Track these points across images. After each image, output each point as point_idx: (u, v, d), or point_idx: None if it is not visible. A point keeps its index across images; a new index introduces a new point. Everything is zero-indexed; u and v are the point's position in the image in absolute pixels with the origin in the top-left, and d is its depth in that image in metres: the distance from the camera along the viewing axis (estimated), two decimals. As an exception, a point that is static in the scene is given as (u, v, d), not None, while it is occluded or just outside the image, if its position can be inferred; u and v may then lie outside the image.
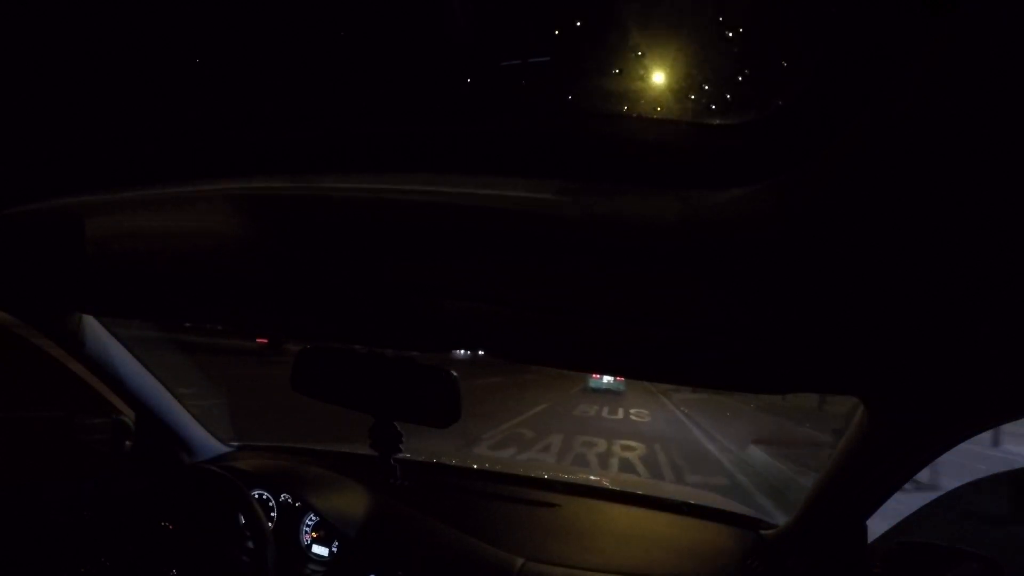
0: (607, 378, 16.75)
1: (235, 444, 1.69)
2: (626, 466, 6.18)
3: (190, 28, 0.44)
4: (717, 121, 0.40)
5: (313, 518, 1.37)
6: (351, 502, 1.38)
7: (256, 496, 1.38)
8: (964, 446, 0.83)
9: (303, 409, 1.35)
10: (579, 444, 7.27)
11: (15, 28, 0.45)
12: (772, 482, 5.62)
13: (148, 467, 1.47)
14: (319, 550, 1.36)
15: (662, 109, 0.41)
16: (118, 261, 0.83)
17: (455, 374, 0.94)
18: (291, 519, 1.38)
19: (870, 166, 0.37)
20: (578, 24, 0.38)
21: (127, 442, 1.48)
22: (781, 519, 1.32)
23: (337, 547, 1.33)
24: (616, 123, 0.43)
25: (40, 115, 0.57)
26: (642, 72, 0.40)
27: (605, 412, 11.65)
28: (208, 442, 1.62)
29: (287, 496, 1.39)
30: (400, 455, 1.07)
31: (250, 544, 1.24)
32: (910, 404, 0.81)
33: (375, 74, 0.46)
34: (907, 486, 0.99)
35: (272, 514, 1.39)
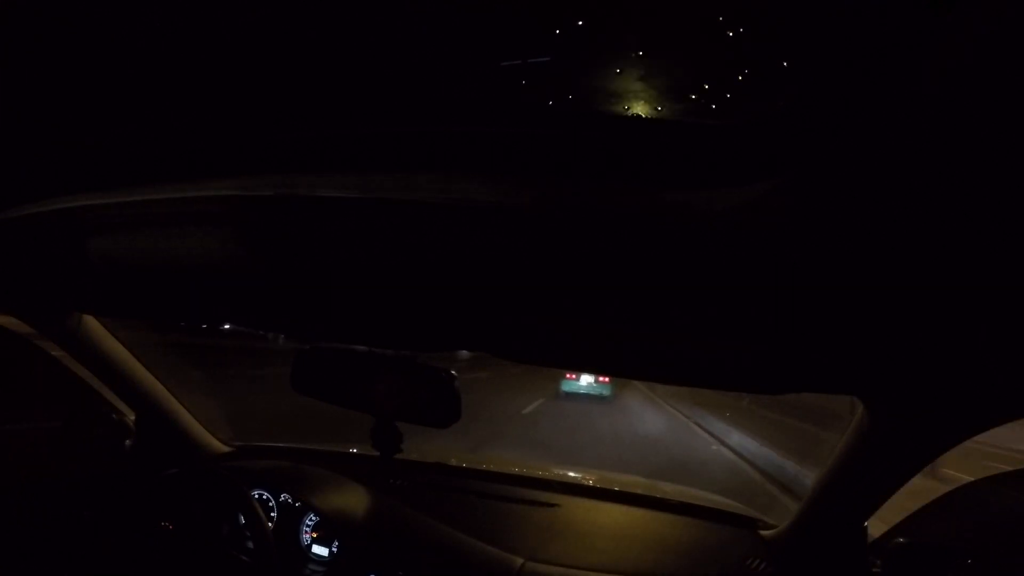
0: (586, 378, 13.11)
1: (235, 444, 1.69)
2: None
3: (190, 30, 0.44)
4: (717, 122, 0.40)
5: (313, 518, 1.37)
6: (351, 502, 1.38)
7: (256, 496, 1.38)
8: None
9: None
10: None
11: (14, 30, 0.45)
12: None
13: (148, 467, 1.47)
14: (319, 550, 1.36)
15: (663, 110, 0.41)
16: (118, 261, 0.83)
17: (455, 374, 0.94)
18: (291, 519, 1.38)
19: (870, 166, 0.37)
20: (578, 24, 0.38)
21: (127, 442, 1.48)
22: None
23: (337, 547, 1.33)
24: (616, 123, 0.43)
25: (40, 116, 0.57)
26: (642, 72, 0.40)
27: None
28: (208, 442, 1.62)
29: (287, 496, 1.39)
30: (400, 455, 1.07)
31: (250, 544, 1.24)
32: (910, 404, 0.81)
33: (374, 75, 0.46)
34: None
35: (272, 514, 1.39)
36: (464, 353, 1.22)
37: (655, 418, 11.48)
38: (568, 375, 13.24)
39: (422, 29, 0.42)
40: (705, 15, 0.36)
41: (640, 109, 0.41)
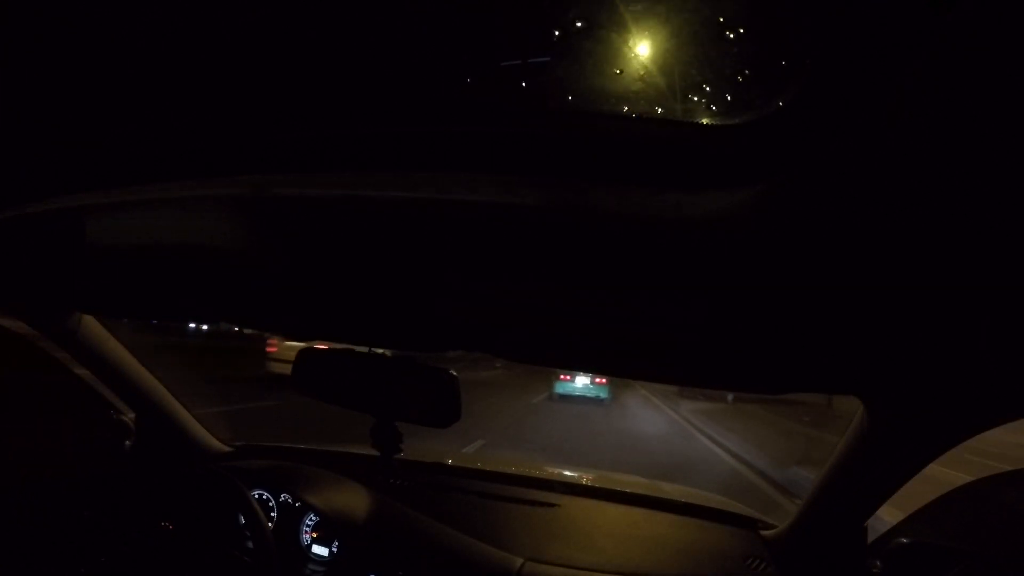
0: (582, 379, 12.45)
1: (235, 444, 1.69)
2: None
3: (190, 27, 0.44)
4: (716, 121, 0.40)
5: (313, 518, 1.37)
6: (351, 502, 1.38)
7: (256, 496, 1.38)
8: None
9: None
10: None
11: (13, 28, 0.45)
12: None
13: (148, 467, 1.47)
14: (319, 550, 1.36)
15: (662, 110, 0.41)
16: (118, 261, 0.83)
17: (455, 374, 0.94)
18: (291, 519, 1.38)
19: (870, 166, 0.37)
20: (577, 24, 0.38)
21: (127, 442, 1.48)
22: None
23: (337, 547, 1.33)
24: (615, 123, 0.43)
25: (40, 115, 0.57)
26: (641, 72, 0.40)
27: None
28: (208, 442, 1.62)
29: (287, 496, 1.39)
30: (400, 455, 1.07)
31: (250, 544, 1.24)
32: (910, 404, 0.81)
33: (373, 74, 0.46)
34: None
35: (272, 514, 1.39)
36: (452, 355, 1.22)
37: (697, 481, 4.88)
38: (562, 376, 12.47)
39: (422, 29, 0.42)
40: (705, 15, 0.36)
41: (639, 109, 0.41)
